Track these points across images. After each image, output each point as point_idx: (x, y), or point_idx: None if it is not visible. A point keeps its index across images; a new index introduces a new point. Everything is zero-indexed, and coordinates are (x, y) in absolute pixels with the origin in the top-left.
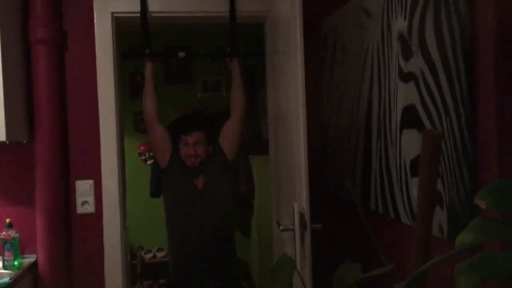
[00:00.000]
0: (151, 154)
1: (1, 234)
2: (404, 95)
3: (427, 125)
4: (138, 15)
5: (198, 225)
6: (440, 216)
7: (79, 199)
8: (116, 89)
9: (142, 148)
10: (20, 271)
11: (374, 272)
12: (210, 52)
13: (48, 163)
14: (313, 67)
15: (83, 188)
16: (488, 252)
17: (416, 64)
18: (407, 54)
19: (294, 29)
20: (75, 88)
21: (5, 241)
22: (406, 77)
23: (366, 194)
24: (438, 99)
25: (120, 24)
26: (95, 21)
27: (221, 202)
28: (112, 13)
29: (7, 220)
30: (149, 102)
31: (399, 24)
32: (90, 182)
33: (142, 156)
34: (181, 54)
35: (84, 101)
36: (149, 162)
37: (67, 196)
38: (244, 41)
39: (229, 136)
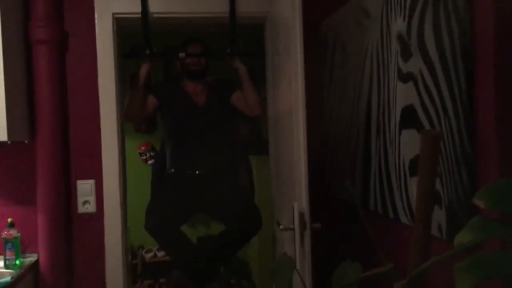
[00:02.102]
0: (152, 154)
1: (3, 233)
2: (403, 95)
3: (426, 125)
4: (139, 16)
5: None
6: (439, 215)
7: (80, 199)
8: (117, 89)
9: (142, 148)
10: (22, 271)
11: (374, 271)
12: (210, 53)
13: (50, 163)
14: (313, 67)
15: (84, 188)
16: (487, 252)
17: (415, 64)
18: (406, 54)
19: (293, 29)
20: (76, 89)
21: (6, 241)
22: (405, 77)
23: (366, 194)
24: (437, 99)
25: (121, 25)
26: (96, 22)
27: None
28: (113, 14)
29: (9, 220)
30: (136, 109)
31: (398, 24)
32: (91, 182)
33: (143, 156)
34: (182, 55)
35: (85, 101)
36: (149, 162)
37: (68, 196)
38: (244, 41)
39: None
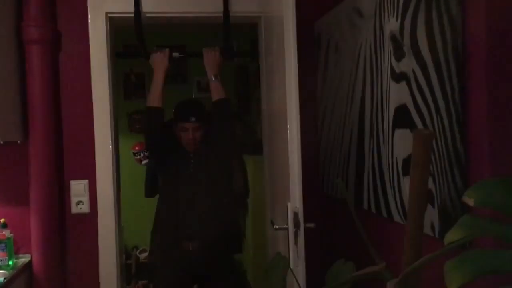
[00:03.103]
0: (146, 153)
1: None
2: (396, 95)
3: (419, 124)
4: (132, 15)
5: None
6: (432, 214)
7: (73, 199)
8: (111, 89)
9: (136, 148)
10: (15, 271)
11: (367, 270)
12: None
13: (43, 163)
14: (307, 67)
15: (78, 188)
16: (476, 249)
17: (408, 64)
18: (399, 54)
19: (287, 30)
20: (70, 88)
21: None
22: (398, 77)
23: (359, 193)
24: (429, 99)
25: (114, 24)
26: (89, 21)
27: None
28: (106, 13)
29: (2, 220)
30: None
31: (391, 24)
32: (85, 182)
33: (137, 156)
34: (175, 55)
35: (79, 101)
36: (143, 162)
37: (62, 196)
38: (238, 42)
39: None
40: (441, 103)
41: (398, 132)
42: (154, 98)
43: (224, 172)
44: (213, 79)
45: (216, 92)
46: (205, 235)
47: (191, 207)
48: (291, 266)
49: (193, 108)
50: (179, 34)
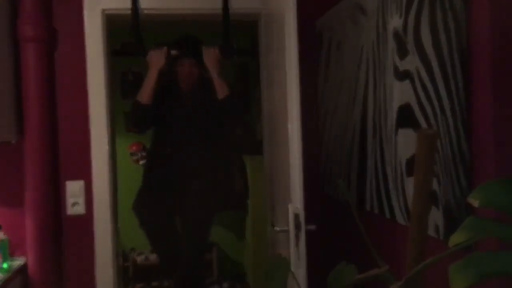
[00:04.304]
0: (143, 154)
1: None
2: (400, 93)
3: (423, 124)
4: (129, 12)
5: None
6: (436, 216)
7: (69, 200)
8: (107, 88)
9: (134, 148)
10: (10, 274)
11: (369, 273)
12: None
13: (38, 163)
14: (308, 65)
15: (74, 189)
16: (482, 251)
17: (411, 62)
18: (402, 52)
19: (288, 27)
20: (65, 87)
21: None
22: (402, 75)
23: (362, 194)
24: (433, 97)
25: (111, 22)
26: (85, 18)
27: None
28: (103, 10)
29: None
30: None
31: (395, 22)
32: (81, 182)
33: (134, 156)
34: (174, 52)
35: (75, 100)
36: (141, 162)
37: (57, 197)
38: (238, 40)
39: None
40: (445, 102)
41: (402, 131)
42: (144, 94)
43: (222, 130)
44: (217, 77)
45: (221, 90)
46: (200, 180)
47: (187, 148)
48: (292, 269)
49: (190, 44)
50: (178, 31)
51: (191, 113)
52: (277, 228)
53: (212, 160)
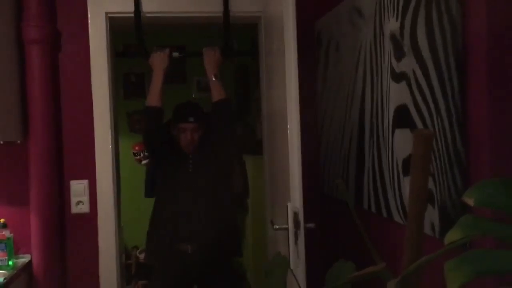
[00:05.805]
0: (145, 154)
1: None
2: (396, 95)
3: (419, 124)
4: (132, 15)
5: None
6: (432, 214)
7: (73, 199)
8: (110, 88)
9: (136, 148)
10: (15, 271)
11: (367, 270)
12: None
13: (43, 163)
14: (307, 67)
15: (78, 188)
16: (477, 249)
17: (408, 64)
18: (399, 54)
19: (287, 29)
20: (69, 88)
21: None
22: (398, 77)
23: (359, 193)
24: (429, 99)
25: (114, 24)
26: (89, 21)
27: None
28: (106, 13)
29: (1, 220)
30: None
31: (391, 24)
32: (85, 182)
33: (137, 156)
34: (175, 54)
35: (79, 101)
36: (143, 162)
37: (62, 196)
38: (239, 41)
39: None
40: (441, 103)
41: (398, 132)
42: (153, 97)
43: (223, 174)
44: (213, 79)
45: (217, 92)
46: (204, 237)
47: (190, 209)
48: (291, 266)
49: (191, 109)
50: (179, 34)
51: (194, 179)
52: (277, 226)
53: (212, 224)
